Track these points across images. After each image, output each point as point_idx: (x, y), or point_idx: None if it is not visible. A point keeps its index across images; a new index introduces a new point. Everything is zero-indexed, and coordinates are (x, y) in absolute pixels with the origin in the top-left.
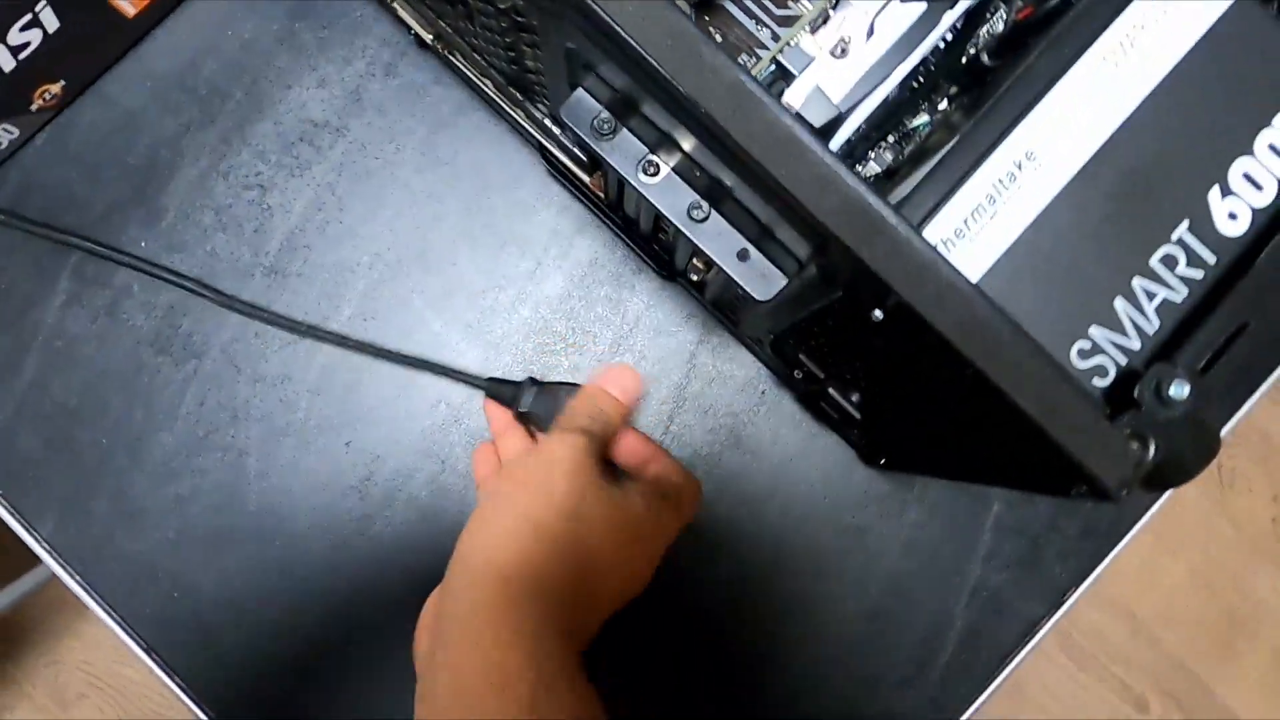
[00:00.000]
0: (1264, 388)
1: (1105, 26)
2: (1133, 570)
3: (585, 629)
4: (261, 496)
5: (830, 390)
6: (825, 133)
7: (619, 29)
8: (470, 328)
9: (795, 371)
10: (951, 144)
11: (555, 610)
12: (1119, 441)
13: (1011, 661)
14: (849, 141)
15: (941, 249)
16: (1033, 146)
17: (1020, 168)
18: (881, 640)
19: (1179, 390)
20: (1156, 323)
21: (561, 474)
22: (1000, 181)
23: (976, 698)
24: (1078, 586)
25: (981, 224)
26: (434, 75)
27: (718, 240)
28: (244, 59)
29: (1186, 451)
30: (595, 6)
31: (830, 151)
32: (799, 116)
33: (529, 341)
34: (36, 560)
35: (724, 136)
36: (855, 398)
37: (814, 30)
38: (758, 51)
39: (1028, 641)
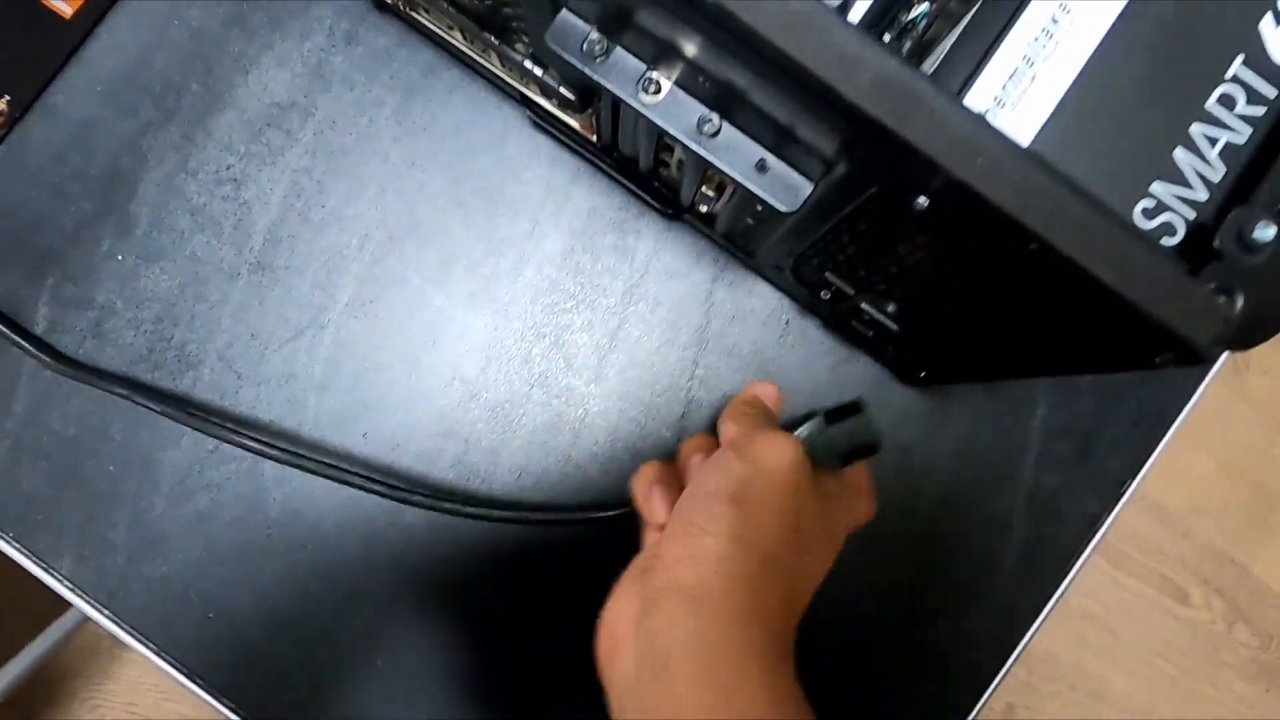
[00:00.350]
0: None
1: None
2: (1159, 466)
3: (792, 631)
4: (283, 502)
5: (863, 306)
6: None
7: None
8: (475, 297)
9: (822, 293)
10: (973, 11)
11: (777, 625)
12: (1204, 297)
13: (1077, 562)
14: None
15: (989, 112)
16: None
17: (1055, 21)
18: (941, 560)
19: (1264, 232)
20: (1222, 169)
21: (784, 490)
22: (1035, 40)
23: (1046, 603)
24: (1134, 477)
25: (1021, 88)
26: (398, 38)
27: (733, 154)
28: (195, 48)
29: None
30: None
31: (854, 27)
32: None
33: (537, 304)
34: (63, 606)
35: (734, 23)
36: (891, 308)
37: None
38: None
39: (1090, 540)
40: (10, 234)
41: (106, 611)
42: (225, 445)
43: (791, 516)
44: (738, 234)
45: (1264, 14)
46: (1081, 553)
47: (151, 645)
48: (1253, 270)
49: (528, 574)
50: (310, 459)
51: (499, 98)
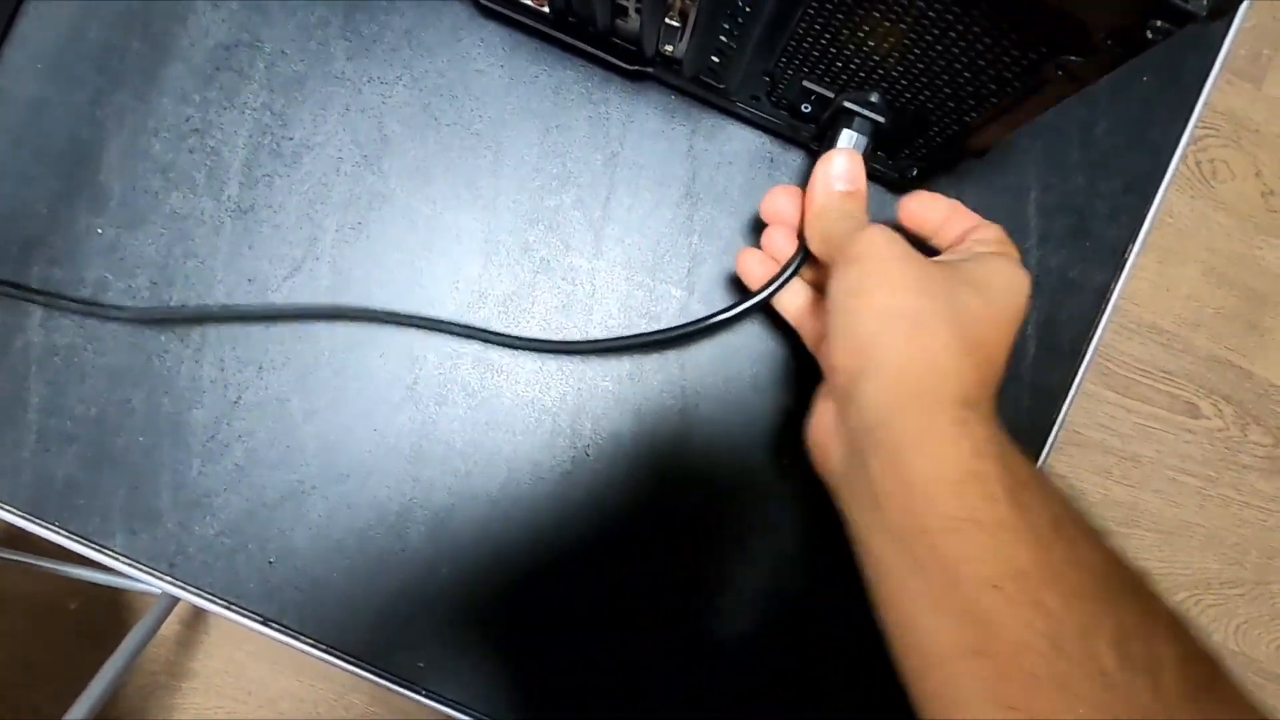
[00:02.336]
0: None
1: None
2: (1148, 290)
3: (988, 392)
4: (318, 437)
5: (847, 105)
6: None
7: None
8: (460, 198)
9: (803, 107)
10: None
11: (969, 393)
12: None
13: (1095, 335)
14: None
15: None
16: None
17: None
18: None
19: None
20: None
21: (892, 257)
22: None
23: (1074, 378)
24: (1134, 240)
25: None
26: None
27: None
28: (126, 6)
29: None
30: None
31: None
32: None
33: (524, 192)
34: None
35: None
36: (875, 98)
37: None
38: None
39: (1104, 310)
40: None
41: (169, 579)
42: (246, 394)
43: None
44: (708, 69)
45: None
46: (1098, 325)
47: (221, 601)
48: None
49: (564, 477)
50: (365, 311)
51: None
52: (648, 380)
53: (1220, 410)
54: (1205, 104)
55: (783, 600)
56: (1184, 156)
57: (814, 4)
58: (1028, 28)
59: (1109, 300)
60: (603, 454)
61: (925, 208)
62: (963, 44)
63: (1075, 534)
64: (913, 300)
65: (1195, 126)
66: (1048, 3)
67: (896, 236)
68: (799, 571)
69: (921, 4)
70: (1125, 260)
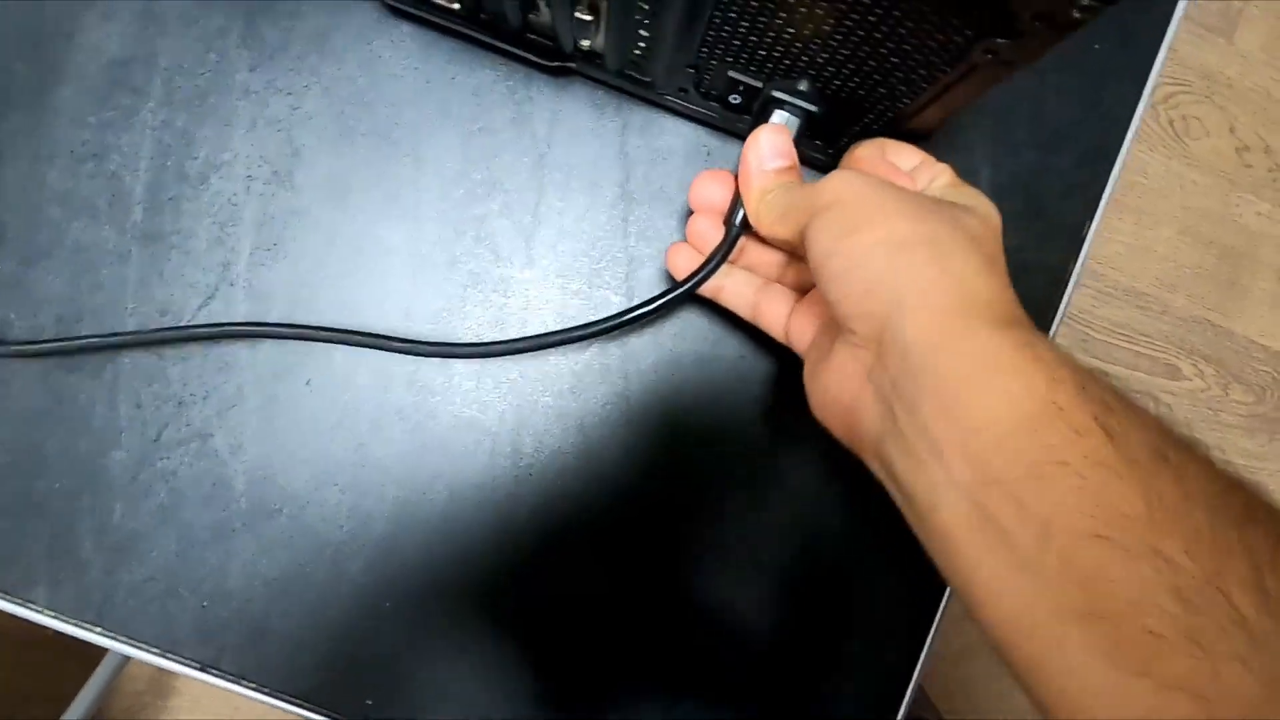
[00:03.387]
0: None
1: None
2: (1123, 253)
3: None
4: (246, 472)
5: (777, 95)
6: None
7: None
8: (381, 210)
9: (731, 98)
10: None
11: (995, 305)
12: None
13: (1058, 313)
14: None
15: None
16: None
17: None
18: None
19: None
20: None
21: (873, 189)
22: None
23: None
24: (1091, 218)
25: None
26: None
27: None
28: (9, 26)
29: None
30: None
31: None
32: None
33: (448, 200)
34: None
35: None
36: (804, 86)
37: None
38: None
39: (1064, 288)
40: None
41: (98, 629)
42: (167, 431)
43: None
44: (631, 63)
45: None
46: (1059, 304)
47: (154, 649)
48: None
49: (508, 497)
50: (290, 326)
51: None
52: (588, 393)
53: (1200, 370)
54: (1160, 72)
55: (743, 604)
56: (1155, 115)
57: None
58: (951, 11)
59: (1069, 279)
60: (546, 471)
61: (901, 158)
62: (885, 29)
63: (1180, 460)
64: (919, 225)
65: (1151, 94)
66: None
67: (865, 172)
68: (759, 573)
69: None
70: (1083, 238)
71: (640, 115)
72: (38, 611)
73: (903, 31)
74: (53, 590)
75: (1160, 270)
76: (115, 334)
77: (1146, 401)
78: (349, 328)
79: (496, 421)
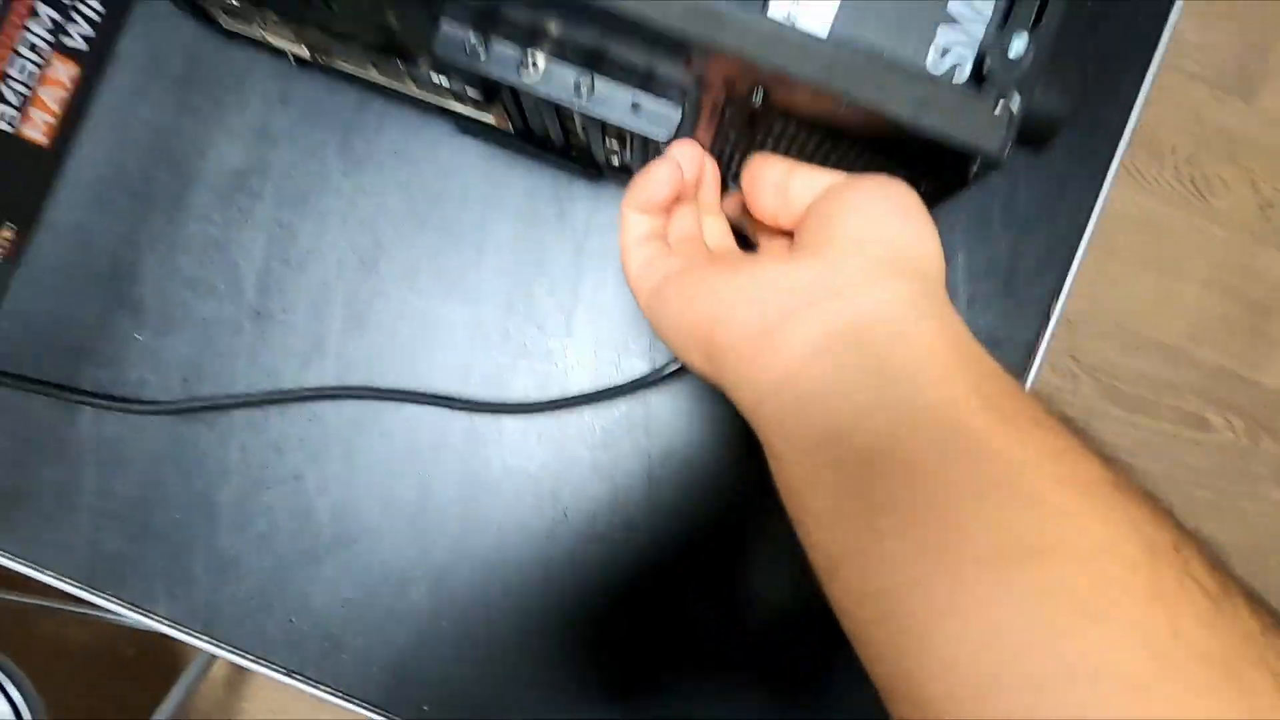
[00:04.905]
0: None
1: None
2: (1149, 307)
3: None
4: (330, 508)
5: None
6: None
7: None
8: (446, 292)
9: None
10: None
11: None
12: (984, 111)
13: (1028, 382)
14: None
15: (788, 18)
16: None
17: None
18: None
19: (1018, 45)
20: (990, 5)
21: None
22: None
23: None
24: (1057, 297)
25: None
26: (325, 86)
27: (609, 103)
28: (155, 141)
29: (1054, 95)
30: None
31: None
32: None
33: (502, 279)
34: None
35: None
36: None
37: None
38: None
39: (1032, 363)
40: (42, 340)
41: (205, 637)
42: (266, 473)
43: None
44: None
45: None
46: (1027, 376)
47: (250, 656)
48: (1019, 80)
49: (558, 547)
50: (363, 389)
51: (424, 114)
52: (617, 445)
53: (1231, 422)
54: (1122, 157)
55: (769, 646)
56: (1177, 174)
57: (723, 137)
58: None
59: (1037, 354)
60: (580, 515)
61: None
62: (853, 157)
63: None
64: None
65: (1115, 177)
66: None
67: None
68: (782, 613)
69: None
70: (1051, 313)
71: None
72: (157, 620)
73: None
74: (170, 603)
75: (1186, 323)
76: (229, 395)
77: (1177, 452)
78: (416, 389)
79: (539, 469)
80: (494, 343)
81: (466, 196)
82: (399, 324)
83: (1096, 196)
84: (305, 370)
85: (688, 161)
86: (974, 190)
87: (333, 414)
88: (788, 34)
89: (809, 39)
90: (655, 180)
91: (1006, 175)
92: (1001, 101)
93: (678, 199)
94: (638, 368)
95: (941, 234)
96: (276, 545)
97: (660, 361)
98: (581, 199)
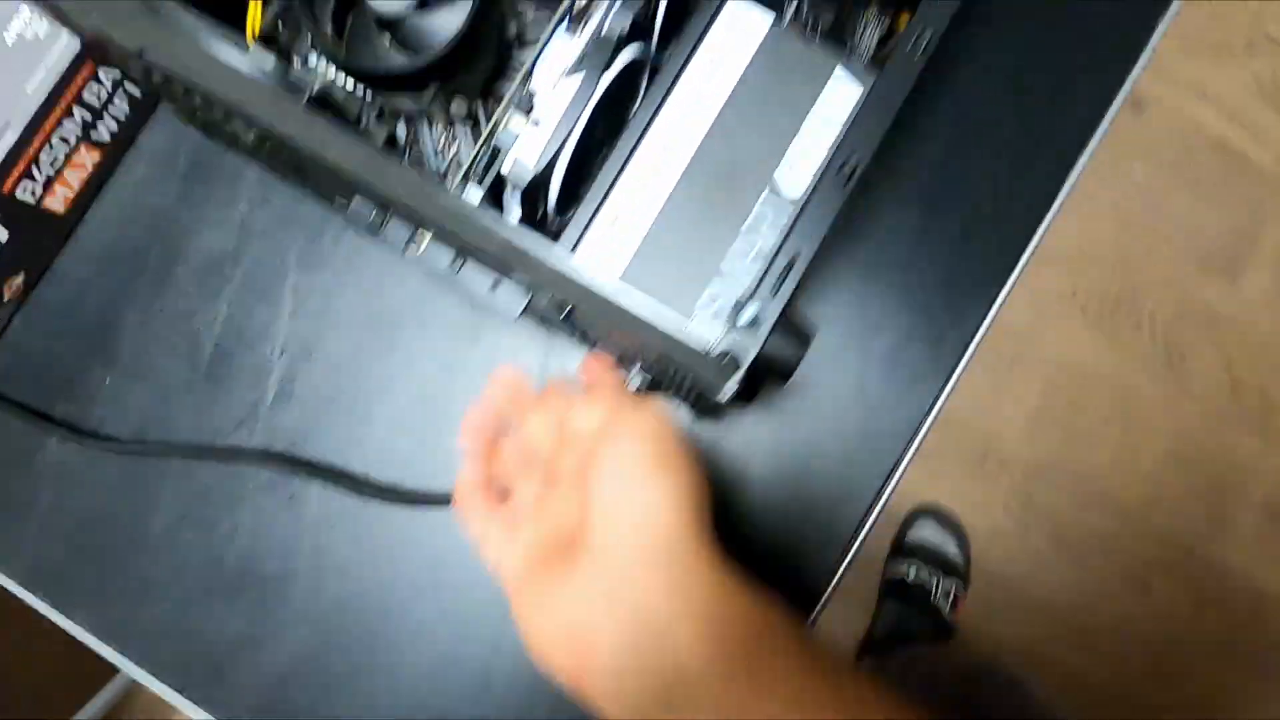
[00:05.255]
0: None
1: (681, 71)
2: (1110, 465)
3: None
4: (236, 555)
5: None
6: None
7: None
8: (375, 386)
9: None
10: (595, 183)
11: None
12: (713, 364)
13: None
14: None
15: (593, 259)
16: (645, 167)
17: (641, 184)
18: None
19: (750, 312)
20: (754, 267)
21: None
22: (625, 201)
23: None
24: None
25: (618, 234)
26: (301, 195)
27: (474, 281)
28: (155, 222)
29: (782, 351)
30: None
31: (488, 209)
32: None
33: (425, 382)
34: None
35: (416, 215)
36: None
37: (522, 110)
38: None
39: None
40: (29, 371)
41: (114, 647)
42: (190, 515)
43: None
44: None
45: (778, 163)
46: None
47: (146, 669)
48: (751, 338)
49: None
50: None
51: None
52: None
53: (1173, 593)
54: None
55: None
56: (1153, 337)
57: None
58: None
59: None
60: (461, 585)
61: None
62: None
63: None
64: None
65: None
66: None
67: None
68: None
69: None
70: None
71: (560, 342)
72: (78, 625)
73: None
74: (89, 613)
75: (1145, 488)
76: (171, 443)
77: (1117, 610)
78: (328, 465)
79: (415, 544)
80: (411, 435)
81: (404, 308)
82: (328, 402)
83: (956, 364)
84: (238, 432)
85: (501, 388)
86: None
87: (252, 475)
88: (579, 274)
89: (592, 283)
90: (472, 421)
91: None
92: (728, 355)
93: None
94: None
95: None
96: (186, 578)
97: None
98: (499, 326)
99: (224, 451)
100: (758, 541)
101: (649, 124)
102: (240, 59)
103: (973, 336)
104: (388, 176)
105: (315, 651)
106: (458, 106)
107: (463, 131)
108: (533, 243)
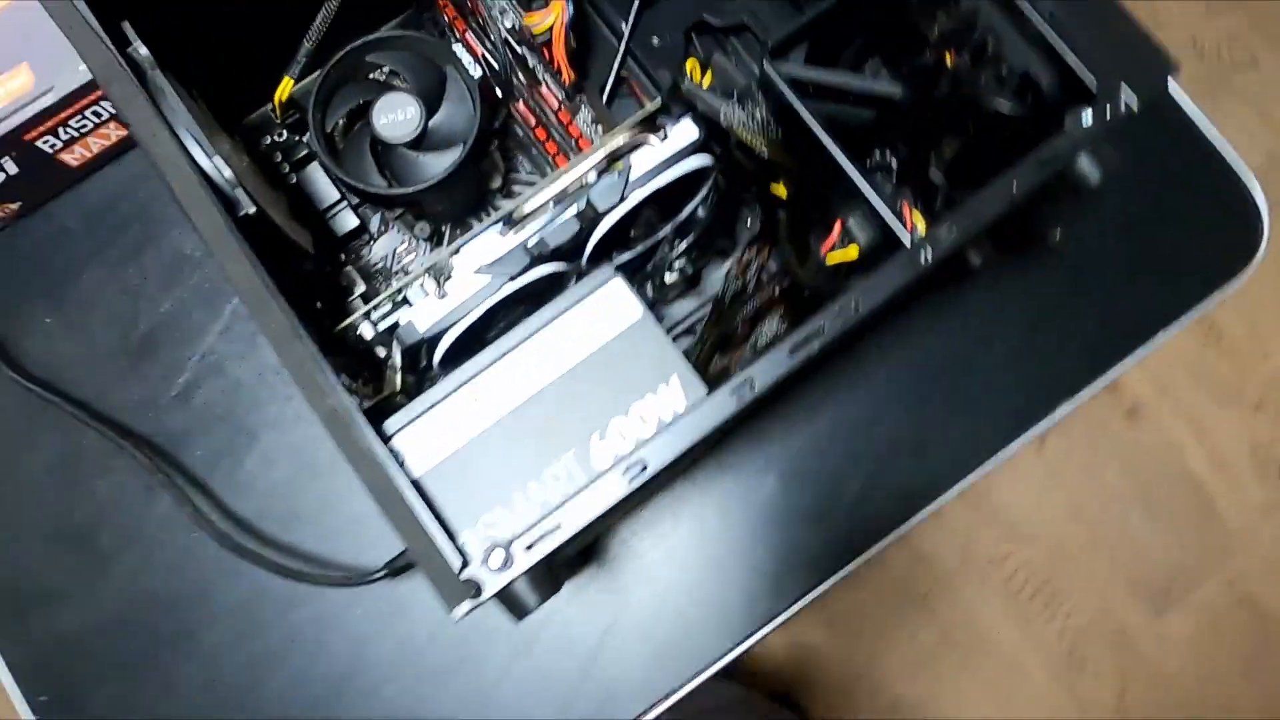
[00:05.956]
0: None
1: (557, 316)
2: None
3: None
4: (85, 515)
5: None
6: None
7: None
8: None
9: None
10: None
11: None
12: (456, 584)
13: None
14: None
15: (410, 451)
16: (490, 386)
17: (479, 400)
18: None
19: (501, 557)
20: (535, 511)
21: None
22: (457, 409)
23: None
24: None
25: (439, 436)
26: None
27: None
28: (146, 204)
29: (524, 598)
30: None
31: (324, 365)
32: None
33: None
34: None
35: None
36: None
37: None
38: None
39: None
40: None
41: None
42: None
43: None
44: None
45: (594, 431)
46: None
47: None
48: (494, 580)
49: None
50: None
51: None
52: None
53: None
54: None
55: None
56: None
57: None
58: None
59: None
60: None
61: None
62: None
63: None
64: None
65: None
66: None
67: None
68: None
69: None
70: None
71: None
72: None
73: None
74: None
75: None
76: (67, 395)
77: None
78: (189, 472)
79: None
80: (271, 477)
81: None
82: (215, 422)
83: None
84: (134, 411)
85: None
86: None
87: (127, 455)
88: (381, 464)
89: (395, 478)
90: None
91: None
92: (473, 582)
93: None
94: None
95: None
96: (32, 514)
97: None
98: None
99: (110, 423)
100: None
101: (511, 349)
102: (202, 157)
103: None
104: (266, 312)
105: (113, 629)
106: (421, 228)
107: (422, 245)
108: (355, 418)
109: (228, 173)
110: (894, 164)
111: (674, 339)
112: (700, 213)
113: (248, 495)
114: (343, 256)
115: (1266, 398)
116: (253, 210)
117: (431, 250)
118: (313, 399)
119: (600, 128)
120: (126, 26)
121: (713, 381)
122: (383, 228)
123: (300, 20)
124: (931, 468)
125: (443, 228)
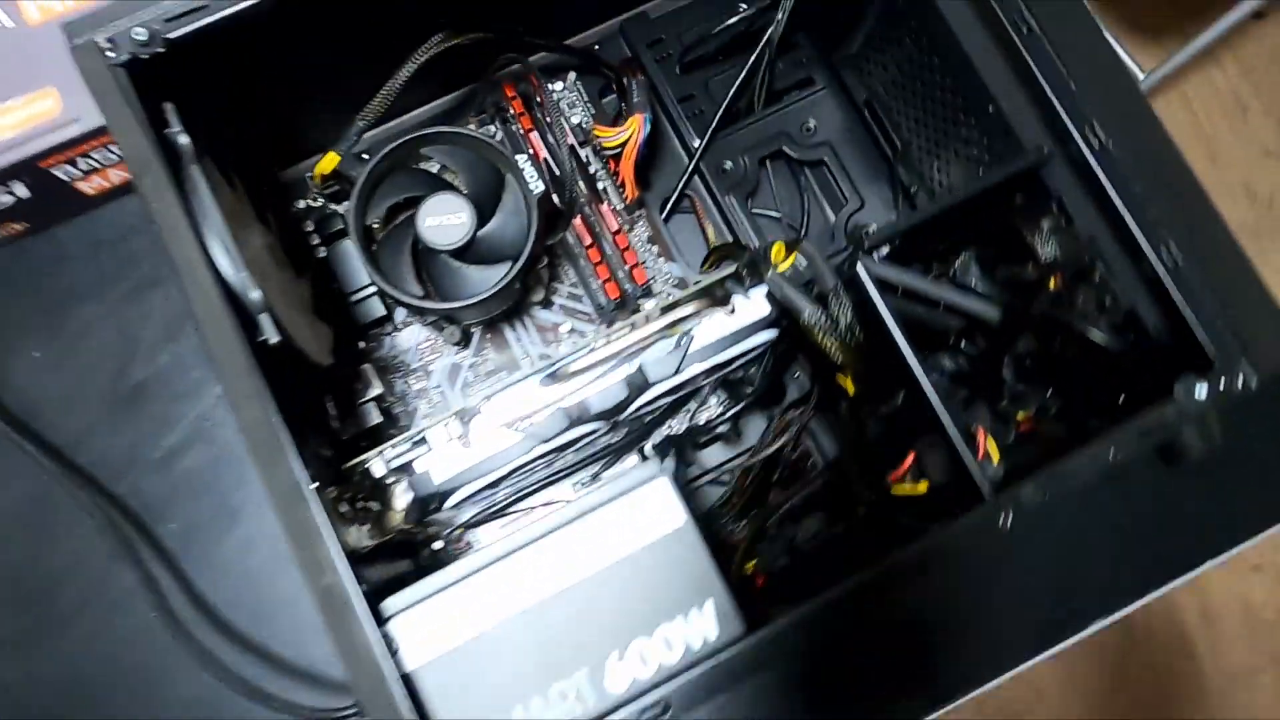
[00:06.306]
0: None
1: (591, 511)
2: None
3: None
4: (44, 571)
5: None
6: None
7: None
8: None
9: None
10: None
11: None
12: None
13: None
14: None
15: (406, 639)
16: (501, 580)
17: (486, 594)
18: None
19: None
20: None
21: None
22: (463, 601)
23: None
24: None
25: (449, 629)
26: None
27: None
28: (159, 245)
29: None
30: None
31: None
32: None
33: None
34: None
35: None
36: None
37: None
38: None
39: None
40: None
41: None
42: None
43: None
44: None
45: (613, 652)
46: None
47: None
48: None
49: None
50: None
51: None
52: None
53: None
54: None
55: None
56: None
57: None
58: None
59: None
60: None
61: None
62: None
63: None
64: None
65: None
66: None
67: None
68: None
69: None
70: None
71: None
72: None
73: None
74: None
75: None
76: (42, 439)
77: None
78: (161, 544)
79: None
80: (246, 567)
81: None
82: (194, 495)
83: None
84: (112, 467)
85: None
86: None
87: (100, 513)
88: (376, 662)
89: (385, 673)
90: None
91: None
92: None
93: None
94: None
95: None
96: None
97: None
98: None
99: (85, 476)
100: None
101: (535, 539)
102: (228, 269)
103: None
104: (273, 464)
105: (42, 692)
106: (450, 333)
107: (448, 349)
108: (352, 602)
109: (255, 294)
110: (963, 362)
111: (701, 486)
112: (755, 379)
113: (221, 580)
114: (361, 345)
115: None
116: (276, 340)
117: (458, 352)
118: (308, 569)
119: (656, 248)
120: (169, 108)
121: (749, 604)
122: (408, 319)
123: (351, 71)
124: None
125: (472, 329)
